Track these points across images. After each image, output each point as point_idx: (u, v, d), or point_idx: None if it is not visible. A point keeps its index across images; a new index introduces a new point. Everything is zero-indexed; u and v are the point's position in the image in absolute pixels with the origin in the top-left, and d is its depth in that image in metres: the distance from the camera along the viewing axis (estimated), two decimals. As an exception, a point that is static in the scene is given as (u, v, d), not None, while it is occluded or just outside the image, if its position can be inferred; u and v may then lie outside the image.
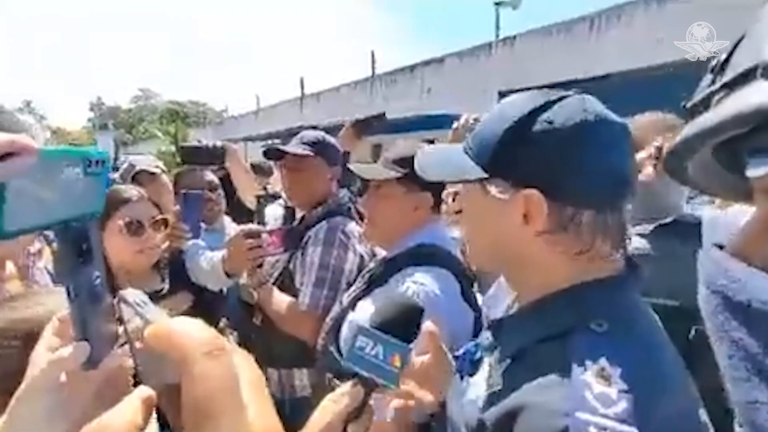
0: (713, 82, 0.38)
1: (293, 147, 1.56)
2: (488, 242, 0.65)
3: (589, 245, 0.58)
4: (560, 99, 0.58)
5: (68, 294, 0.44)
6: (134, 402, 0.31)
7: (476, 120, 1.92)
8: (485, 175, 0.60)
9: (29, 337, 0.49)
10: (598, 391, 0.48)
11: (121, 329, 0.50)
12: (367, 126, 2.07)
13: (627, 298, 0.59)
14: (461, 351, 0.77)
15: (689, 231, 1.04)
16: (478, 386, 0.63)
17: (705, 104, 0.38)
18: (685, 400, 0.53)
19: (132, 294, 0.48)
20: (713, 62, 0.40)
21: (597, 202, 0.58)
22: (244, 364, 0.36)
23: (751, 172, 0.34)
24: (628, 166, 0.60)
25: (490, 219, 0.62)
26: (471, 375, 0.67)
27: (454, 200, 1.51)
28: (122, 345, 0.49)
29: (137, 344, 0.48)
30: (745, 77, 0.33)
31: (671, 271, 0.71)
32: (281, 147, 1.60)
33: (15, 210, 0.36)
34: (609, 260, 0.60)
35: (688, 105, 0.41)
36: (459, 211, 1.47)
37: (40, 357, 0.46)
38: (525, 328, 0.61)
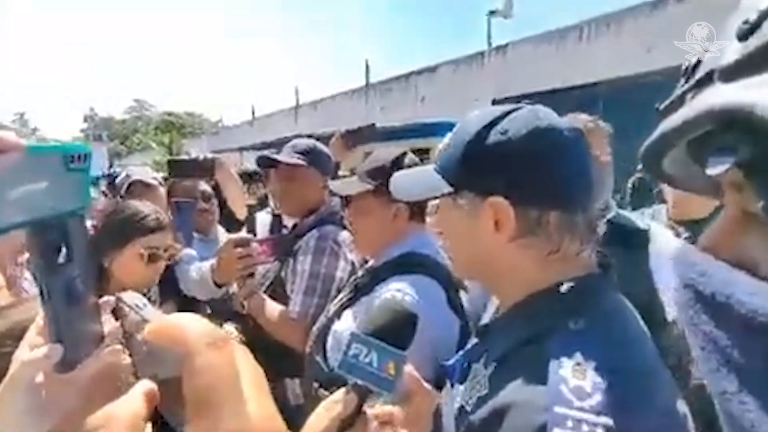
0: (685, 83, 0.40)
1: (285, 156, 1.56)
2: (466, 253, 0.68)
3: (557, 245, 0.61)
4: (512, 111, 0.63)
5: (41, 295, 0.42)
6: (137, 394, 0.31)
7: None
8: (451, 189, 0.65)
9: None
10: (573, 384, 0.50)
11: (107, 329, 0.49)
12: (357, 137, 2.08)
13: (603, 296, 0.61)
14: (452, 360, 0.77)
15: (634, 238, 1.06)
16: (467, 392, 0.64)
17: (679, 104, 0.39)
18: (662, 392, 0.54)
19: (129, 296, 0.47)
20: (684, 66, 0.42)
21: (560, 202, 0.61)
22: (244, 357, 0.36)
23: (709, 171, 0.35)
24: (585, 166, 0.63)
25: (464, 230, 0.66)
26: (461, 383, 0.68)
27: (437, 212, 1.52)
28: (107, 345, 0.48)
29: (137, 337, 0.47)
30: (707, 79, 0.35)
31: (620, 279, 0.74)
32: (273, 156, 1.61)
33: (3, 205, 0.36)
34: (580, 259, 0.62)
35: (661, 107, 0.43)
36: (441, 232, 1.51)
37: (22, 356, 0.46)
38: (508, 332, 0.63)
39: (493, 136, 0.61)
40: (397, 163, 1.16)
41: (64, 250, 0.43)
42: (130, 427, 0.29)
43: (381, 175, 1.12)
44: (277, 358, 1.44)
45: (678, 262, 0.37)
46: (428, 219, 1.28)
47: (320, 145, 1.63)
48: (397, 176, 0.80)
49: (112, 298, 0.52)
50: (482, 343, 0.69)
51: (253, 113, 17.26)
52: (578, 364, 0.51)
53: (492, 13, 9.91)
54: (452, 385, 0.70)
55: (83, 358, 0.45)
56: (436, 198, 0.69)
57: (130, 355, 0.51)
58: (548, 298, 0.61)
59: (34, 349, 0.45)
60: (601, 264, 0.65)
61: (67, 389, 0.45)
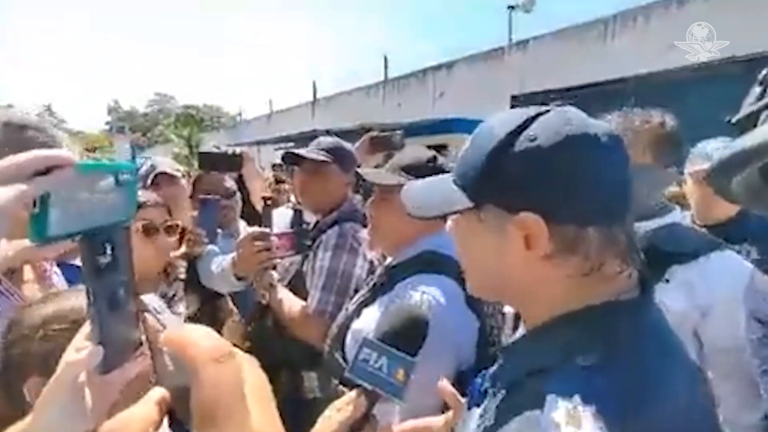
0: (762, 95, 0.38)
1: (311, 152, 1.58)
2: (490, 273, 0.61)
3: (598, 264, 0.54)
4: (540, 114, 0.56)
5: (87, 298, 0.45)
6: (149, 402, 0.33)
7: None
8: (472, 205, 0.58)
9: (78, 324, 0.53)
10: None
11: (138, 333, 0.51)
12: (385, 142, 2.09)
13: (629, 324, 0.54)
14: (476, 381, 0.76)
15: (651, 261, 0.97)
16: (478, 418, 0.61)
17: (753, 120, 0.37)
18: None
19: (151, 300, 0.50)
20: (763, 74, 0.39)
21: (599, 216, 0.54)
22: (249, 368, 0.37)
23: None
24: (623, 174, 0.57)
25: (488, 249, 0.59)
26: (477, 405, 0.64)
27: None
28: (142, 351, 0.50)
29: (157, 347, 0.50)
30: None
31: None
32: (298, 152, 1.62)
33: (57, 218, 0.40)
34: (619, 279, 0.56)
35: (734, 120, 0.40)
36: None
37: (68, 357, 0.49)
38: (521, 358, 0.59)
39: (520, 144, 0.54)
40: (434, 161, 1.16)
41: (110, 258, 0.46)
42: None
43: (417, 171, 1.12)
44: (294, 351, 1.46)
45: (753, 297, 0.35)
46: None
47: (345, 144, 1.65)
48: (410, 188, 0.71)
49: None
50: (502, 365, 0.64)
51: (270, 107, 17.38)
52: (574, 408, 0.46)
53: (512, 7, 9.75)
54: (469, 407, 0.67)
55: (122, 363, 0.47)
56: (453, 214, 0.62)
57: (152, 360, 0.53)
58: (565, 325, 0.55)
59: (78, 351, 0.48)
60: (642, 283, 0.57)
61: (107, 390, 0.48)
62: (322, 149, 1.57)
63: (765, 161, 0.35)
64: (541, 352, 0.55)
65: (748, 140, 0.35)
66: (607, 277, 0.55)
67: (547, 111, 0.57)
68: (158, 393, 0.35)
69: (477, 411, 0.62)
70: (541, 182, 0.54)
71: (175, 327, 0.42)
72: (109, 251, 0.46)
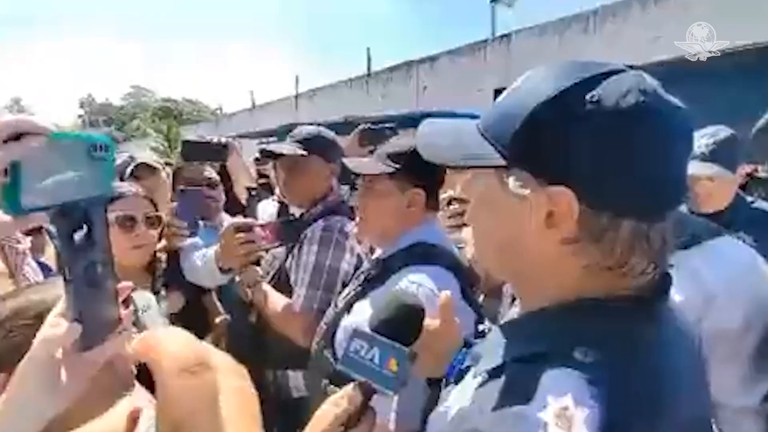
0: None
1: (287, 147, 1.52)
2: (499, 243, 0.55)
3: (623, 261, 0.47)
4: (611, 73, 0.46)
5: (63, 275, 0.44)
6: (120, 416, 0.30)
7: None
8: (503, 163, 0.49)
9: (41, 317, 0.51)
10: None
11: (125, 313, 0.50)
12: (375, 136, 2.05)
13: (638, 324, 0.49)
14: (455, 358, 0.74)
15: None
16: (454, 398, 0.56)
17: None
18: None
19: (140, 297, 0.49)
20: None
21: (641, 209, 0.47)
22: (231, 380, 0.35)
23: None
24: (683, 166, 0.49)
25: (504, 217, 0.52)
26: (456, 383, 0.61)
27: (449, 204, 1.48)
28: (123, 330, 0.49)
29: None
30: None
31: None
32: (275, 148, 1.57)
33: (29, 188, 0.38)
34: (641, 276, 0.49)
35: None
36: (461, 213, 1.43)
37: (42, 333, 0.47)
38: (511, 342, 0.53)
39: (579, 105, 0.44)
40: None
41: (85, 234, 0.44)
42: None
43: (402, 160, 1.10)
44: (279, 349, 1.42)
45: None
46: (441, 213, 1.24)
47: (324, 132, 1.59)
48: (427, 127, 0.60)
49: (130, 284, 0.53)
50: (489, 344, 0.59)
51: (252, 101, 17.12)
52: (565, 408, 0.41)
53: (495, 1, 9.78)
54: (446, 384, 0.65)
55: (100, 341, 0.46)
56: (477, 169, 0.53)
57: None
58: (571, 313, 0.49)
59: (54, 328, 0.46)
60: (662, 283, 0.52)
61: (83, 369, 0.46)
62: (298, 141, 1.51)
63: None
64: (535, 337, 0.49)
65: None
66: (629, 275, 0.48)
67: (620, 71, 0.47)
68: (130, 406, 0.33)
69: (455, 389, 0.58)
70: (590, 156, 0.45)
71: (154, 327, 0.40)
72: (85, 227, 0.45)
